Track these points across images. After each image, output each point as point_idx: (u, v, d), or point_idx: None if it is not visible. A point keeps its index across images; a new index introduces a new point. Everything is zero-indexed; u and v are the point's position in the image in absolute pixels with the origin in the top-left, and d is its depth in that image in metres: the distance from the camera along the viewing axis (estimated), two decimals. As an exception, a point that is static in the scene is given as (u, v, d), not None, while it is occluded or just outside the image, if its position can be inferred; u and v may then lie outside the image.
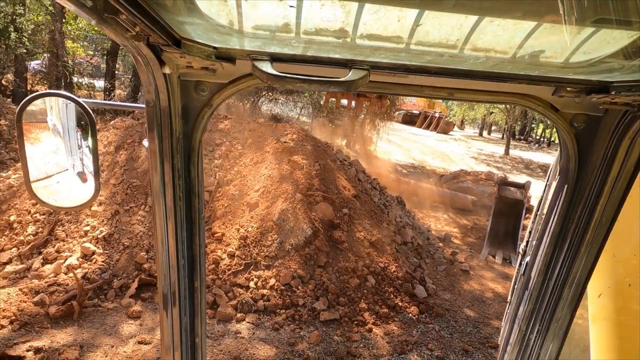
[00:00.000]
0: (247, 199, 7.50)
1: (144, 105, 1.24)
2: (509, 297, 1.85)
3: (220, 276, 6.38)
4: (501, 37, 0.99)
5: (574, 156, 1.40)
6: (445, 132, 36.09)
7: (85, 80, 22.17)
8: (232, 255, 6.65)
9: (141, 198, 7.35)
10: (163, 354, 1.60)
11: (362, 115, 19.33)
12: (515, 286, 1.78)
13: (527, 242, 1.70)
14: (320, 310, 6.09)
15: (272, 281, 6.38)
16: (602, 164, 1.36)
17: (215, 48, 1.13)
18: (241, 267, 6.52)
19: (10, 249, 6.67)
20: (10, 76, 19.01)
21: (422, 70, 1.18)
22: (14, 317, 5.13)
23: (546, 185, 1.61)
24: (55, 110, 1.76)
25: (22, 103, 1.35)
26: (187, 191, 1.41)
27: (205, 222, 7.15)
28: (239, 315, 5.86)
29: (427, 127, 36.32)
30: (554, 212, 1.52)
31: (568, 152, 1.40)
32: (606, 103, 1.23)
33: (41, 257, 6.50)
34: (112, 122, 9.54)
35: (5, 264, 6.42)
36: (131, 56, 1.12)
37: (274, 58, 1.11)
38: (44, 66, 21.16)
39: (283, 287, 6.32)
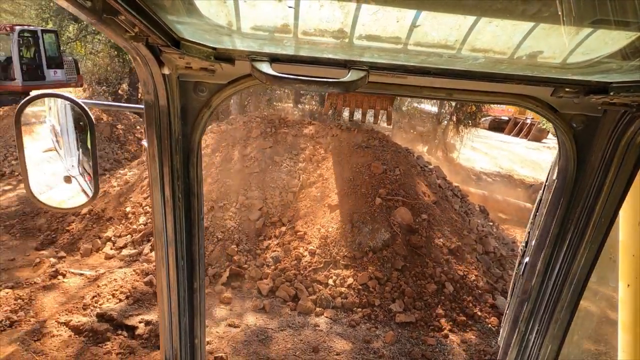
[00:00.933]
0: (329, 201, 7.86)
1: (143, 106, 1.26)
2: (508, 298, 1.78)
3: (302, 272, 6.79)
4: (500, 38, 1.00)
5: (572, 157, 1.39)
6: (538, 139, 33.58)
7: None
8: (313, 253, 7.03)
9: (233, 196, 8.05)
10: (162, 355, 1.61)
11: (445, 122, 18.91)
12: (515, 287, 1.75)
13: (526, 242, 1.68)
14: (396, 312, 6.21)
15: (350, 280, 6.63)
16: (601, 164, 1.35)
17: (214, 49, 1.13)
18: (321, 265, 6.87)
19: (126, 235, 7.74)
20: (125, 86, 21.65)
21: (421, 70, 1.18)
22: (129, 293, 5.99)
23: (545, 186, 1.57)
24: (55, 111, 1.75)
25: (20, 104, 1.34)
26: (186, 192, 1.39)
27: (288, 220, 7.66)
28: (317, 309, 6.21)
29: (517, 134, 34.12)
30: (553, 212, 1.51)
31: (567, 152, 1.40)
32: (605, 104, 1.22)
33: (150, 244, 7.44)
34: (209, 126, 10.54)
35: (122, 248, 7.47)
36: (130, 57, 1.14)
37: (273, 59, 1.11)
38: (152, 77, 23.75)
39: (360, 287, 6.55)
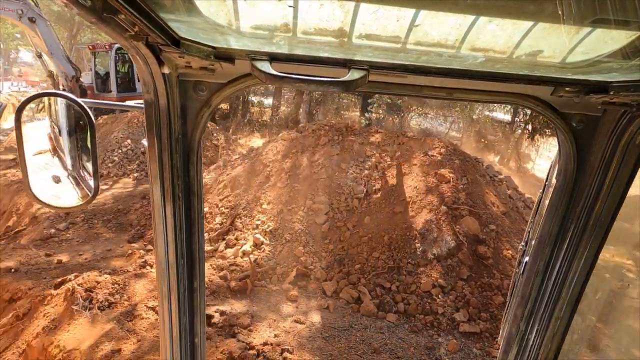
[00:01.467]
0: (393, 208, 7.96)
1: (143, 106, 1.26)
2: (508, 297, 1.75)
3: (365, 276, 6.97)
4: (500, 37, 1.00)
5: (572, 156, 1.38)
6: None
7: (257, 99, 25.80)
8: (376, 258, 7.18)
9: (301, 200, 8.45)
10: (162, 354, 1.61)
11: (519, 131, 18.07)
12: (515, 286, 1.75)
13: (526, 242, 1.64)
14: (460, 321, 6.15)
15: (413, 287, 6.69)
16: (601, 163, 1.35)
17: (214, 48, 1.13)
18: (384, 270, 7.00)
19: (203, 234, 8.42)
20: (204, 96, 23.28)
21: (421, 70, 1.18)
22: (206, 286, 6.55)
23: (545, 185, 1.54)
24: (55, 110, 1.72)
25: (21, 103, 1.33)
26: (186, 191, 1.39)
27: (353, 225, 7.88)
28: (380, 313, 6.34)
29: (603, 145, 31.47)
30: (553, 211, 1.50)
31: (567, 152, 1.39)
32: (605, 103, 1.22)
33: (224, 242, 8.05)
34: (280, 134, 11.12)
35: (200, 244, 8.15)
36: (130, 56, 1.13)
37: (273, 58, 1.10)
38: (228, 87, 25.31)
39: (423, 294, 6.57)
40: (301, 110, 21.46)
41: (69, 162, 1.66)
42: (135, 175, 12.76)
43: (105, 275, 6.51)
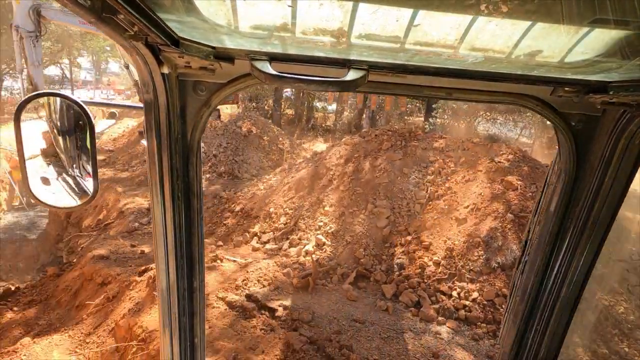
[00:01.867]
0: (456, 214, 7.87)
1: (143, 106, 1.25)
2: (508, 297, 1.69)
3: (425, 281, 6.97)
4: (499, 37, 1.00)
5: (572, 156, 1.38)
6: None
7: (322, 105, 26.36)
8: (437, 264, 7.15)
9: (362, 203, 8.61)
10: (162, 354, 1.60)
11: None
12: (515, 285, 1.74)
13: (526, 241, 1.62)
14: (525, 333, 5.96)
15: (475, 294, 6.58)
16: (600, 163, 1.34)
17: (213, 48, 1.13)
18: (445, 276, 6.95)
19: (269, 232, 8.88)
20: (270, 102, 24.26)
21: (421, 70, 1.18)
22: (270, 281, 6.94)
23: (545, 185, 1.53)
24: (54, 110, 1.70)
25: (20, 102, 1.31)
26: (186, 191, 1.38)
27: (414, 230, 7.89)
28: (440, 318, 6.32)
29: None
30: (553, 211, 1.49)
31: (566, 151, 1.39)
32: (604, 103, 1.22)
33: (288, 241, 8.43)
34: (343, 139, 11.37)
35: (266, 243, 8.60)
36: (129, 56, 1.13)
37: (273, 58, 1.11)
38: (293, 93, 26.18)
39: (486, 302, 6.45)
40: (364, 115, 21.63)
41: (68, 161, 1.67)
42: (207, 176, 13.66)
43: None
